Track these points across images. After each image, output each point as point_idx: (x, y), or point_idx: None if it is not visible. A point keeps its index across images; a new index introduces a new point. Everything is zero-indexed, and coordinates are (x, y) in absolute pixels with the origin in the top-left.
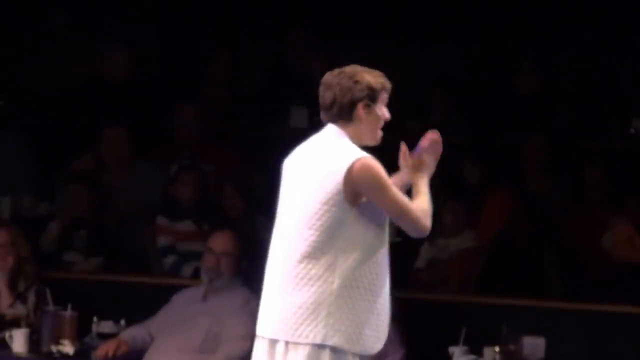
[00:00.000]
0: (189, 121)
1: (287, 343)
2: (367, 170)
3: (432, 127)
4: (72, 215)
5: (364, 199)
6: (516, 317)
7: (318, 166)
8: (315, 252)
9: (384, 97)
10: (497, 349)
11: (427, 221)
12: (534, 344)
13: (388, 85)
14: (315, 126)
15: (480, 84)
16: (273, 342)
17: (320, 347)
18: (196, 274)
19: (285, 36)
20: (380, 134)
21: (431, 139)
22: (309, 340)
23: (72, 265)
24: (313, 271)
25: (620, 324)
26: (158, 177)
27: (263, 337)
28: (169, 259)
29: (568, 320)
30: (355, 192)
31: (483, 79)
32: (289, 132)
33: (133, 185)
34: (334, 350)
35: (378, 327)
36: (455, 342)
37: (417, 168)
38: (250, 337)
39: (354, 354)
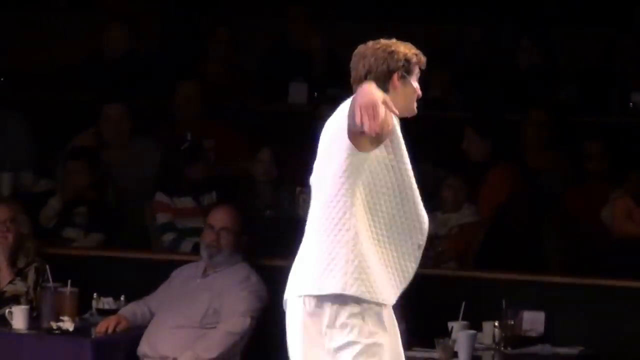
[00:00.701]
0: (188, 97)
1: (311, 297)
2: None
3: (432, 102)
4: (72, 192)
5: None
6: (516, 292)
7: (339, 120)
8: (332, 202)
9: (418, 71)
10: (496, 323)
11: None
12: (533, 319)
13: (423, 60)
14: (314, 102)
15: (479, 60)
16: (300, 299)
17: (342, 297)
18: (195, 250)
19: (285, 12)
20: (415, 105)
21: None
22: (329, 290)
23: (72, 242)
24: (325, 221)
25: (620, 298)
26: (157, 154)
27: (292, 298)
28: (168, 236)
29: (567, 295)
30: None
31: (483, 55)
32: (289, 108)
33: (132, 162)
34: (357, 300)
35: (398, 278)
36: (454, 317)
37: None
38: (250, 312)
39: (378, 304)
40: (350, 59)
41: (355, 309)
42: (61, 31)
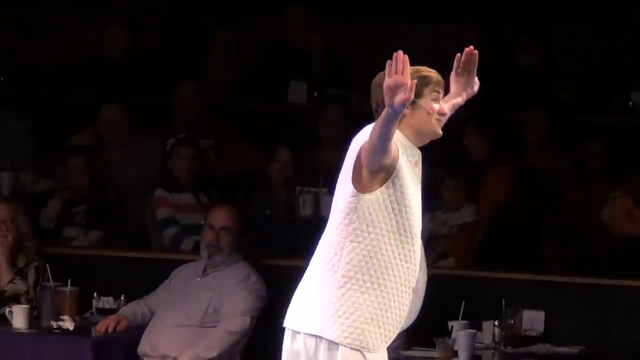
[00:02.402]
0: (188, 97)
1: (293, 331)
2: None
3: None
4: (71, 190)
5: (378, 186)
6: (515, 291)
7: (350, 153)
8: (329, 239)
9: (431, 90)
10: (496, 323)
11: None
12: (533, 318)
13: (435, 78)
14: (314, 102)
15: (479, 58)
16: (290, 332)
17: (318, 338)
18: (196, 248)
19: (285, 12)
20: (437, 126)
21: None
22: (308, 330)
23: (72, 240)
24: (321, 258)
25: (620, 297)
26: (157, 153)
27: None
28: (170, 231)
29: (567, 294)
30: (364, 172)
31: (482, 54)
32: (289, 108)
33: (132, 161)
34: (331, 342)
35: (385, 325)
36: (454, 317)
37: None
38: (250, 312)
39: (353, 349)
40: (350, 59)
41: (333, 351)
42: (61, 31)
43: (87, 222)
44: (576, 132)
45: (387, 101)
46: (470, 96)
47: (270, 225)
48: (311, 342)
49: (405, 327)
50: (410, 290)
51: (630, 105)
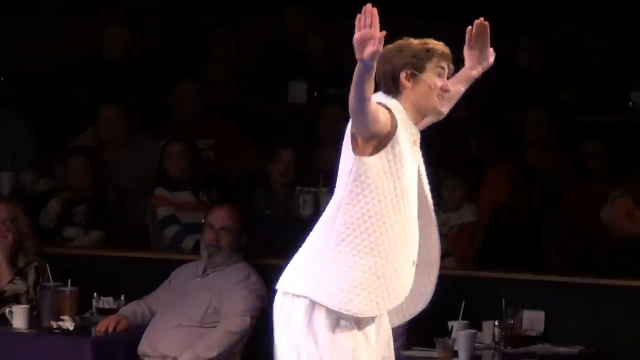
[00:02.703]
0: (185, 96)
1: (283, 292)
2: None
3: None
4: (72, 190)
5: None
6: (515, 291)
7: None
8: (330, 204)
9: (435, 65)
10: (496, 323)
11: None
12: (533, 318)
13: (440, 50)
14: (314, 102)
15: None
16: (281, 293)
17: (305, 298)
18: (197, 247)
19: (285, 12)
20: (438, 103)
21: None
22: (299, 291)
23: (72, 240)
24: (320, 221)
25: (620, 297)
26: (157, 153)
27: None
28: (171, 230)
29: (567, 294)
30: (358, 138)
31: None
32: (289, 108)
33: (132, 161)
34: (318, 304)
35: (377, 291)
36: (454, 317)
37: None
38: (250, 312)
39: (340, 312)
40: (350, 59)
41: (320, 313)
42: (61, 31)
43: (87, 222)
44: (576, 132)
45: (357, 55)
46: (486, 68)
47: (270, 225)
48: (299, 303)
49: (414, 314)
50: (411, 263)
51: (630, 105)
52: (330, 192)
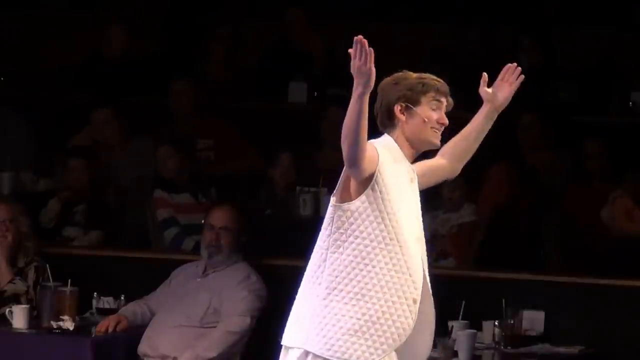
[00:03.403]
0: (180, 95)
1: (285, 347)
2: None
3: None
4: (71, 190)
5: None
6: (515, 291)
7: None
8: (314, 252)
9: (430, 98)
10: (496, 323)
11: None
12: (533, 318)
13: (436, 85)
14: (314, 102)
15: (479, 59)
16: (283, 348)
17: (305, 351)
18: (197, 248)
19: (285, 13)
20: (433, 136)
21: (507, 68)
22: (294, 344)
23: (72, 240)
24: (308, 271)
25: (620, 297)
26: (154, 153)
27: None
28: (171, 231)
29: (567, 294)
30: (352, 182)
31: (482, 55)
32: (289, 108)
33: (132, 161)
34: (316, 356)
35: (373, 337)
36: (454, 317)
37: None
38: (250, 312)
39: None
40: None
41: None
42: (61, 31)
43: (87, 222)
44: (576, 132)
45: (355, 84)
46: (499, 107)
47: (270, 225)
48: (299, 356)
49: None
50: (411, 301)
51: (630, 105)
52: (330, 192)
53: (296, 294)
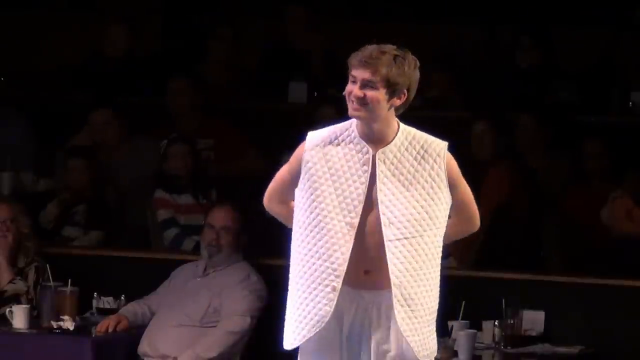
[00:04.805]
0: (177, 94)
1: None
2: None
3: (432, 102)
4: (72, 190)
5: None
6: (515, 291)
7: None
8: None
9: (351, 70)
10: (496, 323)
11: None
12: (533, 318)
13: (351, 59)
14: (314, 102)
15: (479, 59)
16: None
17: None
18: (197, 249)
19: (285, 12)
20: (350, 108)
21: None
22: None
23: (72, 240)
24: None
25: (620, 297)
26: (157, 153)
27: None
28: (171, 232)
29: (567, 294)
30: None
31: (482, 54)
32: (289, 108)
33: (132, 161)
34: None
35: (297, 322)
36: (454, 317)
37: None
38: (250, 312)
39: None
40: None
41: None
42: (61, 31)
43: (87, 222)
44: (576, 132)
45: None
46: None
47: (271, 225)
48: None
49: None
50: (329, 289)
51: (630, 105)
52: None
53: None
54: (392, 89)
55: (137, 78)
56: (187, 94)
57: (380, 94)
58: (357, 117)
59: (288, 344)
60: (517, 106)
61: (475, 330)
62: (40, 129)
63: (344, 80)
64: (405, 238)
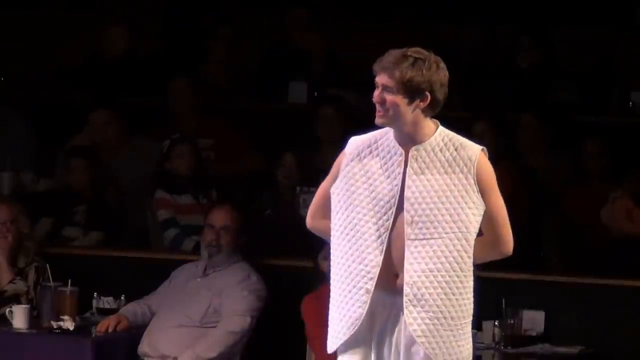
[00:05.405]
0: (178, 94)
1: None
2: None
3: None
4: (72, 190)
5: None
6: (515, 292)
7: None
8: None
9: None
10: (496, 323)
11: None
12: (533, 318)
13: (374, 66)
14: (314, 102)
15: (479, 60)
16: None
17: None
18: (197, 249)
19: (285, 12)
20: (376, 117)
21: None
22: None
23: (72, 240)
24: None
25: (620, 297)
26: (157, 153)
27: None
28: (171, 232)
29: (567, 294)
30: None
31: (482, 55)
32: (289, 108)
33: (133, 161)
34: None
35: (334, 324)
36: None
37: None
38: (251, 312)
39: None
40: (349, 59)
41: None
42: (61, 31)
43: (87, 222)
44: (576, 132)
45: None
46: None
47: (271, 225)
48: None
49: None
50: (363, 291)
51: (630, 105)
52: None
53: (296, 293)
54: (411, 92)
55: (137, 78)
56: (187, 94)
57: (397, 98)
58: (380, 124)
59: (329, 347)
60: (517, 106)
61: (475, 330)
62: (40, 129)
63: (344, 80)
64: (426, 239)
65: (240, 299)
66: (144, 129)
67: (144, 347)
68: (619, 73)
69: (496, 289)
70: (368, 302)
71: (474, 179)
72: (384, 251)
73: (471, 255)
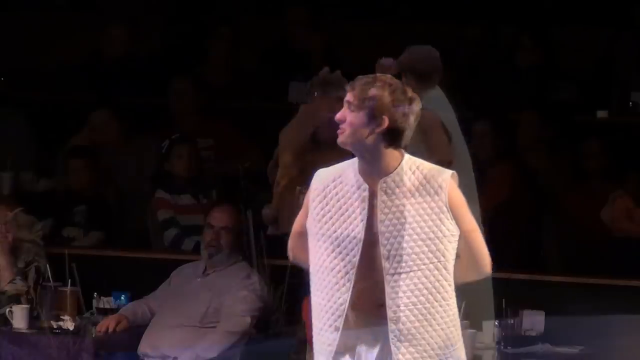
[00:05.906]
0: (179, 94)
1: None
2: None
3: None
4: (72, 190)
5: None
6: (515, 291)
7: None
8: None
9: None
10: (496, 323)
11: None
12: (533, 318)
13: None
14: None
15: (479, 59)
16: None
17: None
18: (197, 249)
19: (285, 12)
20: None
21: None
22: None
23: (72, 240)
24: None
25: (620, 297)
26: (155, 152)
27: None
28: (171, 232)
29: (567, 294)
30: None
31: (482, 54)
32: (289, 108)
33: (133, 161)
34: None
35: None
36: None
37: None
38: (251, 312)
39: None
40: (349, 59)
41: None
42: (61, 31)
43: (87, 222)
44: (576, 132)
45: None
46: None
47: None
48: None
49: None
50: (332, 329)
51: (630, 105)
52: None
53: (296, 293)
54: (370, 112)
55: (137, 78)
56: (188, 94)
57: (356, 117)
58: (341, 143)
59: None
60: (517, 106)
61: (475, 330)
62: (40, 129)
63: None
64: (406, 272)
65: (240, 299)
66: (144, 129)
67: (144, 347)
68: (619, 73)
69: (496, 289)
70: (337, 340)
71: (446, 206)
72: (351, 288)
73: (452, 282)
